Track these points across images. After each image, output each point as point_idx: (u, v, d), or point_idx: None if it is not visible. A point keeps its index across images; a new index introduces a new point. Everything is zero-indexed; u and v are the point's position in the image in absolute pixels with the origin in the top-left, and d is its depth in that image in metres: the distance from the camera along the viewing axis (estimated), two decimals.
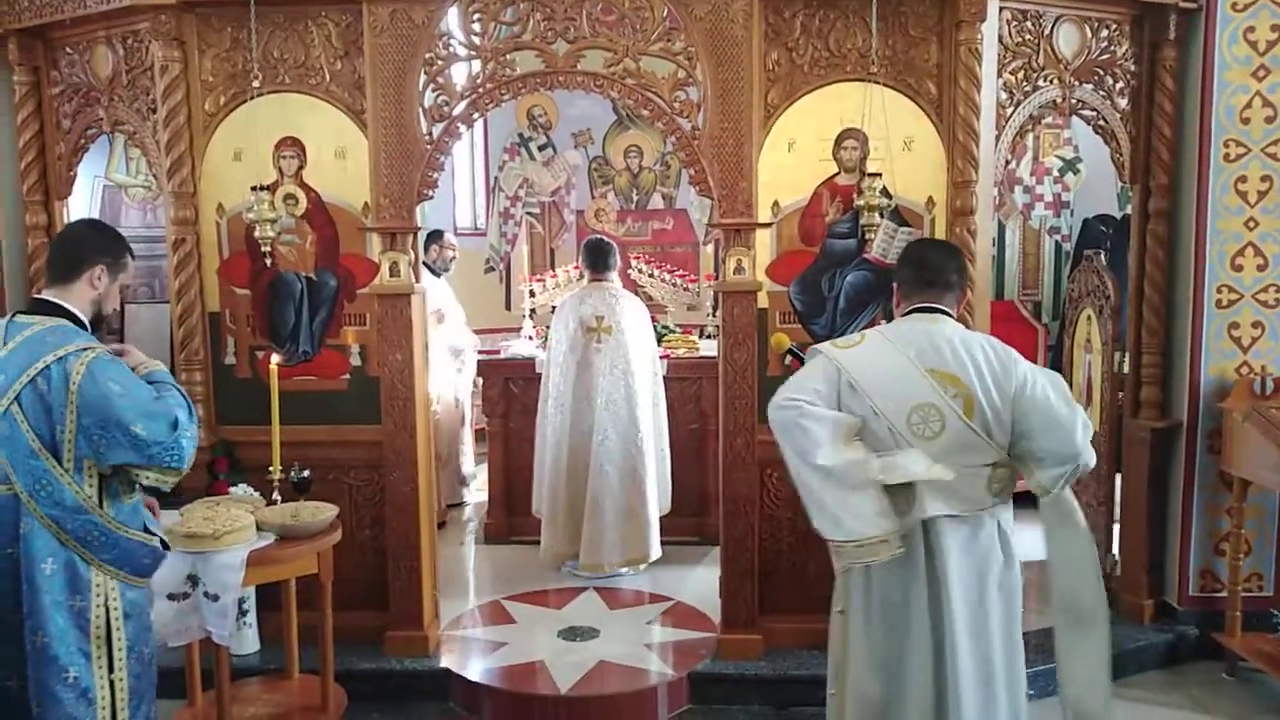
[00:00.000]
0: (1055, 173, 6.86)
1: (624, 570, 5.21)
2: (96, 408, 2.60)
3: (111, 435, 2.62)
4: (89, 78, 4.29)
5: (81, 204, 6.23)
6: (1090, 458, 2.67)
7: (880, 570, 2.68)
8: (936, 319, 2.73)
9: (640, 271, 6.72)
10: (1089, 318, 4.96)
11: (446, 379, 6.23)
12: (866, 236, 3.96)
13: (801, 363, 3.15)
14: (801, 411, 2.62)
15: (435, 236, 6.37)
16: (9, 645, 2.65)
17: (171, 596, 3.26)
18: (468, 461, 6.61)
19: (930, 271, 2.79)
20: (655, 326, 5.92)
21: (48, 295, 2.77)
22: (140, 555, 2.74)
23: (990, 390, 2.62)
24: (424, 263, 6.10)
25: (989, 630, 2.69)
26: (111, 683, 2.73)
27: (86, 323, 2.76)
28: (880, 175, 3.80)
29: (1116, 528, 4.79)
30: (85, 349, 2.64)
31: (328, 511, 3.62)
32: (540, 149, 8.86)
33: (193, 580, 3.30)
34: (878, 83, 3.89)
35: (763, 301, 4.10)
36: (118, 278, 2.84)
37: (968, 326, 3.93)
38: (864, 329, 3.83)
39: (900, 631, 2.71)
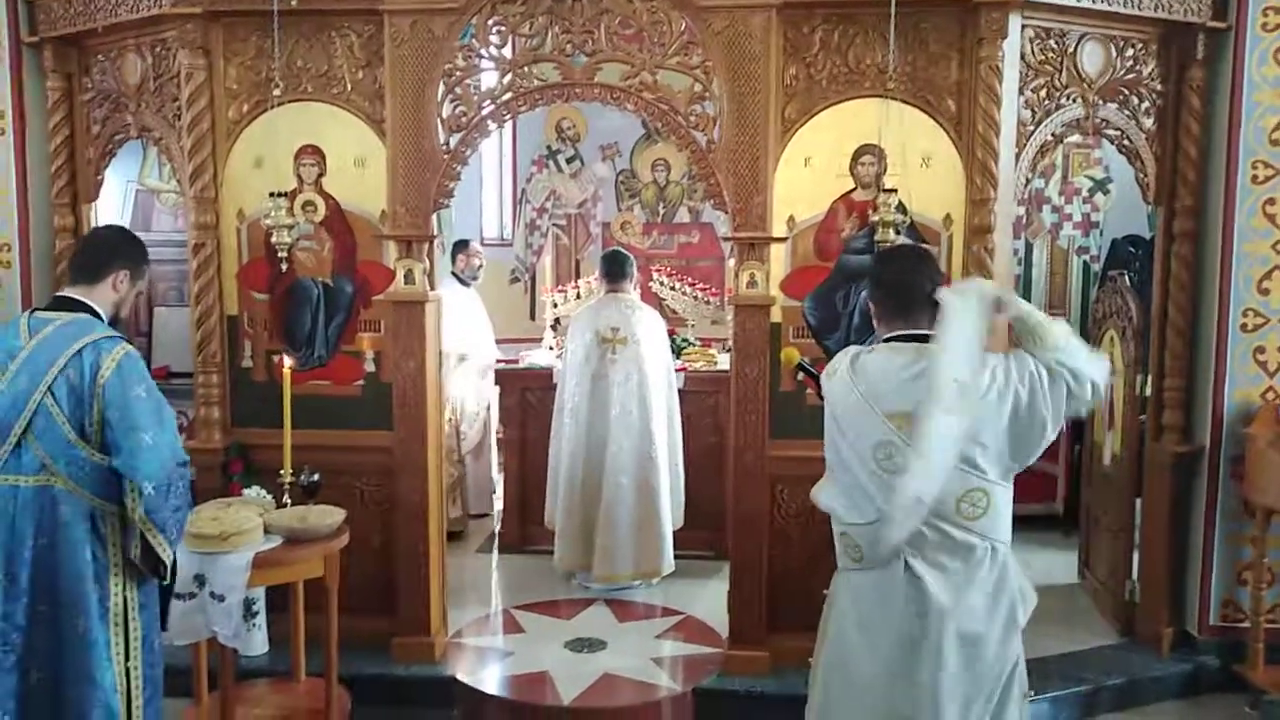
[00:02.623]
0: (1085, 193, 6.78)
1: (636, 583, 5.19)
2: (118, 402, 2.73)
3: (121, 433, 2.73)
4: (118, 84, 4.38)
5: (114, 208, 6.34)
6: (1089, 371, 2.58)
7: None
8: (907, 350, 2.61)
9: (661, 284, 6.72)
10: (1112, 339, 4.88)
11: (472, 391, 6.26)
12: None
13: (813, 377, 3.11)
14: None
15: (461, 246, 6.40)
16: (43, 637, 2.75)
17: (178, 596, 3.29)
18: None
19: (904, 295, 2.68)
20: (674, 339, 5.92)
21: (71, 293, 2.90)
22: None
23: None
24: (453, 273, 6.21)
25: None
26: (127, 670, 2.83)
27: (106, 322, 2.89)
28: (896, 191, 3.77)
29: (1136, 554, 4.69)
30: (116, 342, 2.78)
31: (335, 515, 3.65)
32: (568, 161, 8.89)
33: (199, 580, 3.34)
34: (895, 99, 3.87)
35: (776, 316, 4.09)
36: (137, 284, 3.01)
37: None
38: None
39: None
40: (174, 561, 2.89)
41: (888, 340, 2.69)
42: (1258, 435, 4.13)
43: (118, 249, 2.98)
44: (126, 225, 6.45)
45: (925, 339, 2.61)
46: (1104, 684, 4.20)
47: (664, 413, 5.25)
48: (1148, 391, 4.65)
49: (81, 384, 2.72)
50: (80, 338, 2.75)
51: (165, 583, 2.96)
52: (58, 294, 2.95)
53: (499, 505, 6.52)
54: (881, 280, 2.79)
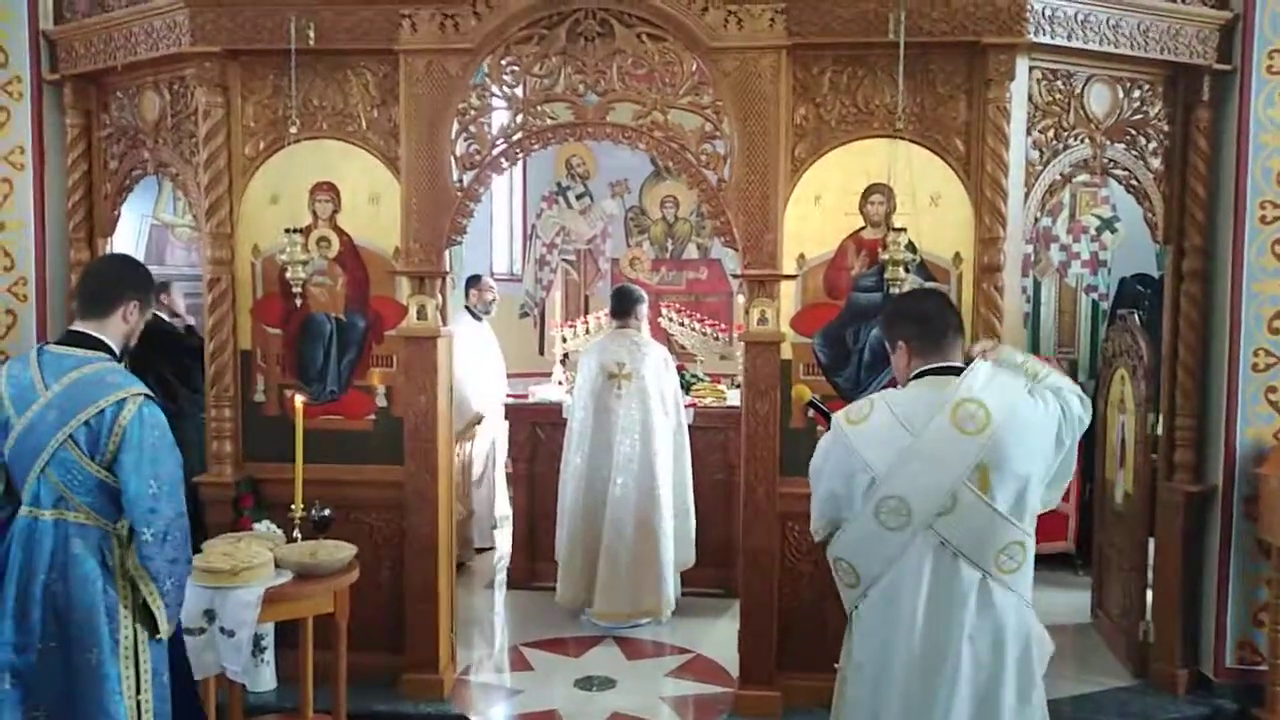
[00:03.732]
0: (1093, 231, 6.81)
1: (644, 620, 5.15)
2: (133, 445, 2.73)
3: (131, 475, 2.73)
4: (136, 121, 4.44)
5: (128, 242, 6.40)
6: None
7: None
8: (948, 383, 2.59)
9: (670, 320, 6.74)
10: (1123, 378, 4.88)
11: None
12: (891, 290, 3.95)
13: (823, 415, 3.10)
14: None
15: (473, 281, 6.49)
16: (51, 673, 2.74)
17: (188, 631, 3.28)
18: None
19: (939, 324, 2.68)
20: (684, 375, 5.93)
21: (84, 328, 2.88)
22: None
23: (1009, 450, 2.51)
24: (466, 307, 6.27)
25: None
26: (138, 704, 2.80)
27: (118, 355, 2.89)
28: (905, 230, 3.79)
29: (1150, 593, 4.65)
30: (140, 394, 2.78)
31: (346, 551, 3.65)
32: (578, 198, 8.97)
33: (209, 615, 3.33)
34: (904, 139, 3.90)
35: (786, 353, 4.10)
36: (146, 313, 2.98)
37: None
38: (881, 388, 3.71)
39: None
40: (169, 618, 2.81)
41: (920, 376, 2.66)
42: (1270, 475, 4.10)
43: (125, 280, 2.95)
44: (140, 259, 6.52)
45: (958, 371, 2.62)
46: None
47: (668, 449, 5.23)
48: (1159, 430, 4.64)
49: (100, 427, 2.73)
50: (103, 396, 2.74)
51: (159, 639, 2.85)
52: (70, 329, 2.93)
53: (503, 541, 6.51)
54: (914, 314, 2.76)
